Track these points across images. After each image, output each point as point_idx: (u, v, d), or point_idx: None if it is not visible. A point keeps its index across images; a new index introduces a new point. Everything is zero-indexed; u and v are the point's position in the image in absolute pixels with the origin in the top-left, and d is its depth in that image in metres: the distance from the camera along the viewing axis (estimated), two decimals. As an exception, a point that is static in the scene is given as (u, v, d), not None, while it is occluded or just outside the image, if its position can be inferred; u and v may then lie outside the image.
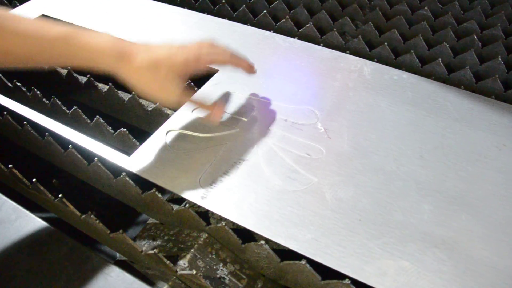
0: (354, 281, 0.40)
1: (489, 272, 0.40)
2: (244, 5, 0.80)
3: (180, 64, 0.47)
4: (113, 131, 0.56)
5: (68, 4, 0.81)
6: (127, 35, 0.71)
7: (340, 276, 0.40)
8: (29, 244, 0.44)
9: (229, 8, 0.81)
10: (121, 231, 0.43)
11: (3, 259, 0.43)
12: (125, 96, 0.62)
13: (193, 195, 0.46)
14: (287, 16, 0.77)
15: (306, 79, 0.62)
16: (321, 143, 0.52)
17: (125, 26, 0.74)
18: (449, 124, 0.55)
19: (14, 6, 0.84)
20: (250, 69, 0.54)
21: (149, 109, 0.60)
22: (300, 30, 0.76)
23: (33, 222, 0.46)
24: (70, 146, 0.52)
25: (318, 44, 0.71)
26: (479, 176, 0.49)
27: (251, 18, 0.80)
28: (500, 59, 0.67)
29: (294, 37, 0.72)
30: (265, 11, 0.78)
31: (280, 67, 0.65)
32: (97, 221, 0.45)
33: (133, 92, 0.60)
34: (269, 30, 0.74)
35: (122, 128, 0.55)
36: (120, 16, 0.77)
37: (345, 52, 0.69)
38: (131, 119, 0.63)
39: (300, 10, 0.80)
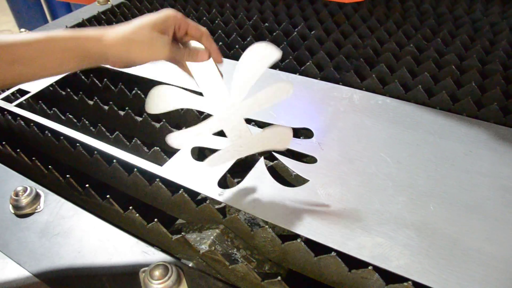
0: (339, 254, 0.50)
1: (449, 245, 0.50)
2: (254, 49, 0.95)
3: (162, 19, 0.50)
4: (147, 150, 0.70)
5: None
6: (157, 76, 0.86)
7: (328, 251, 0.50)
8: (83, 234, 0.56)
9: (242, 52, 0.96)
10: (156, 220, 0.55)
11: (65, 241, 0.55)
12: (157, 124, 0.76)
13: (212, 193, 0.58)
14: (291, 57, 0.91)
15: (304, 106, 0.75)
16: (315, 153, 0.64)
17: (154, 69, 0.89)
18: (424, 136, 0.66)
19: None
20: (218, 55, 0.55)
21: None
22: (301, 68, 0.90)
23: (85, 217, 0.58)
24: (114, 160, 0.65)
25: (317, 79, 0.84)
26: (446, 175, 0.60)
27: (260, 59, 0.94)
28: (473, 83, 0.79)
29: (296, 74, 0.86)
30: (272, 53, 0.93)
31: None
32: (137, 214, 0.57)
33: (164, 120, 0.74)
34: (275, 69, 0.88)
35: (155, 147, 0.68)
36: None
37: (338, 84, 0.82)
38: (161, 143, 0.76)
39: (302, 51, 0.94)
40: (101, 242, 0.55)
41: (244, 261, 0.56)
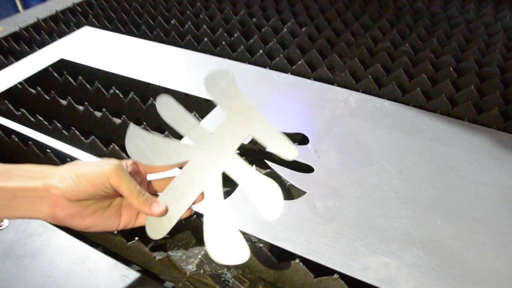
0: (342, 276, 0.45)
1: (459, 265, 0.46)
2: (242, 46, 0.89)
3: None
4: (127, 156, 0.63)
5: (85, 48, 0.91)
6: (137, 74, 0.80)
7: (330, 273, 0.46)
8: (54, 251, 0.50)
9: (228, 49, 0.90)
10: (136, 238, 0.49)
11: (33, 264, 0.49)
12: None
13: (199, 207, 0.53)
14: (281, 55, 0.86)
15: (298, 109, 0.70)
16: (311, 162, 0.59)
17: (134, 66, 0.83)
18: (425, 143, 0.62)
19: (34, 50, 0.94)
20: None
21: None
22: (293, 67, 0.85)
23: (57, 235, 0.52)
24: (90, 169, 0.59)
25: (309, 78, 0.79)
26: (451, 186, 0.56)
27: (248, 57, 0.89)
28: (473, 87, 0.75)
29: (287, 73, 0.80)
30: (261, 51, 0.87)
31: (275, 99, 0.72)
32: (115, 232, 0.51)
33: (145, 123, 0.68)
34: (265, 68, 0.83)
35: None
36: (131, 57, 0.86)
37: (333, 84, 0.77)
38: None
39: (293, 49, 0.89)
40: (74, 264, 0.48)
41: (236, 281, 0.51)
